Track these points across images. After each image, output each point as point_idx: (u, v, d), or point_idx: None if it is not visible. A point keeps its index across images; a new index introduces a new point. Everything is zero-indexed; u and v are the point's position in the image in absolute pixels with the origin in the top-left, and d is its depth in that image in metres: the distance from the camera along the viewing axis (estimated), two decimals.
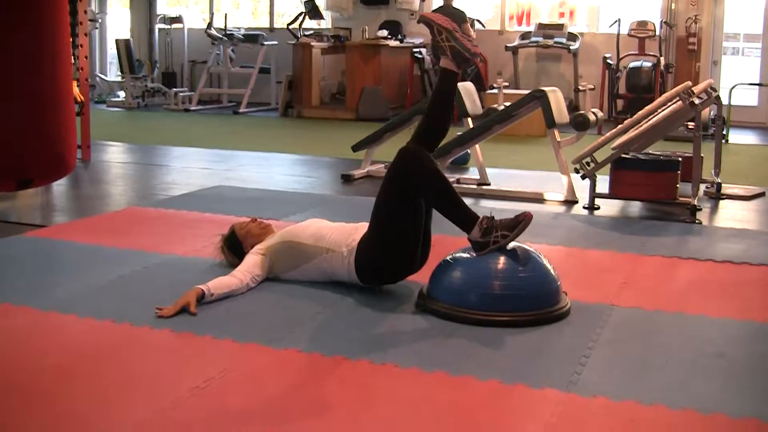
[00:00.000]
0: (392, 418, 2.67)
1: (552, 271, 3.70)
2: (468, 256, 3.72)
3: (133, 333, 3.38)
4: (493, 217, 3.71)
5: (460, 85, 7.17)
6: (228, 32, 14.73)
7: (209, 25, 14.92)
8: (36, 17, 2.37)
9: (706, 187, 6.86)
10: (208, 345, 3.25)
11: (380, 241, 3.83)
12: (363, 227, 3.95)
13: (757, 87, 12.69)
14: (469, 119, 7.16)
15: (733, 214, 6.20)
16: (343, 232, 3.99)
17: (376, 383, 2.94)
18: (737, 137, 11.25)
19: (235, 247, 4.27)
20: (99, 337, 3.34)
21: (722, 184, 6.84)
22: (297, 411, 2.70)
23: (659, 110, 6.24)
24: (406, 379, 2.96)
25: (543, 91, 6.62)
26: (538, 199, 6.56)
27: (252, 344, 3.24)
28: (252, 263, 4.00)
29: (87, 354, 3.16)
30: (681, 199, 6.05)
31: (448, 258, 3.78)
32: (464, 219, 3.75)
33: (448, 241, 4.01)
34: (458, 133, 7.01)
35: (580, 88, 7.22)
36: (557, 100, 6.73)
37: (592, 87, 7.46)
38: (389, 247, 3.84)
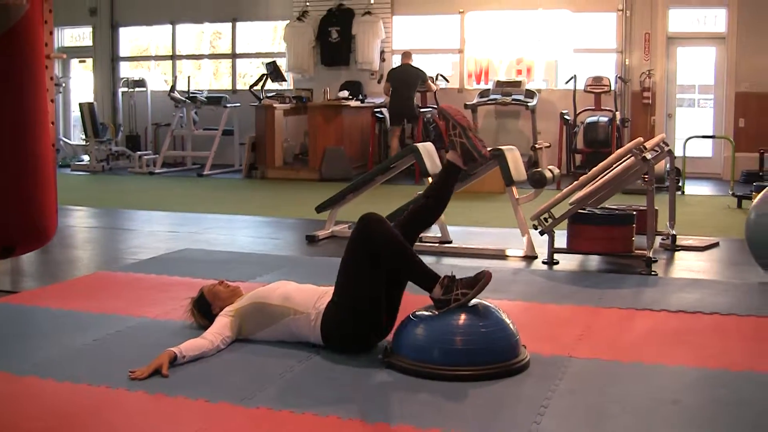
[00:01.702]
0: None
1: (511, 326, 3.85)
2: (430, 313, 3.86)
3: (110, 395, 3.48)
4: (453, 276, 3.86)
5: (420, 145, 7.37)
6: (191, 95, 14.91)
7: (172, 87, 15.12)
8: (17, 91, 2.52)
9: (662, 239, 7.06)
10: (182, 405, 3.36)
11: (344, 307, 3.96)
12: (331, 291, 4.08)
13: (710, 139, 13.02)
14: (429, 178, 7.31)
15: (688, 265, 6.40)
16: (311, 295, 4.12)
17: None
18: (693, 188, 11.55)
19: (204, 309, 4.38)
20: (77, 400, 3.43)
21: (677, 236, 7.04)
22: None
23: (615, 165, 6.44)
24: None
25: (500, 149, 6.82)
26: (499, 255, 6.72)
27: (224, 403, 3.35)
28: (221, 325, 4.12)
29: (66, 417, 3.25)
30: (637, 251, 6.24)
31: (411, 315, 3.92)
32: (425, 278, 3.90)
33: (410, 300, 4.15)
34: (419, 193, 7.17)
35: (537, 146, 7.43)
36: (514, 158, 6.92)
37: (548, 144, 7.69)
38: (353, 312, 3.96)
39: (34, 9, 2.51)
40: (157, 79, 17.28)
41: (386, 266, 3.91)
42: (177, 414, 3.29)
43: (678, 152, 11.82)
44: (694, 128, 13.67)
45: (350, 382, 3.66)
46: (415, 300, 4.09)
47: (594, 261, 6.46)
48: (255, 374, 3.72)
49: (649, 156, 6.11)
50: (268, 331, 4.14)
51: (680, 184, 11.17)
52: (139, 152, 15.22)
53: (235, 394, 3.45)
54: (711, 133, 13.14)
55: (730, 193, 10.46)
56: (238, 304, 4.23)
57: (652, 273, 5.98)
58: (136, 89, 16.43)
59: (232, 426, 3.16)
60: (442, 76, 14.43)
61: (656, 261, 6.24)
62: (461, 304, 3.80)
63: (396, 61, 14.60)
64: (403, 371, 3.73)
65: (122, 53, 17.44)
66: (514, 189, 6.85)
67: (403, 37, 15.12)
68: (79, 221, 9.01)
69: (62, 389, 3.56)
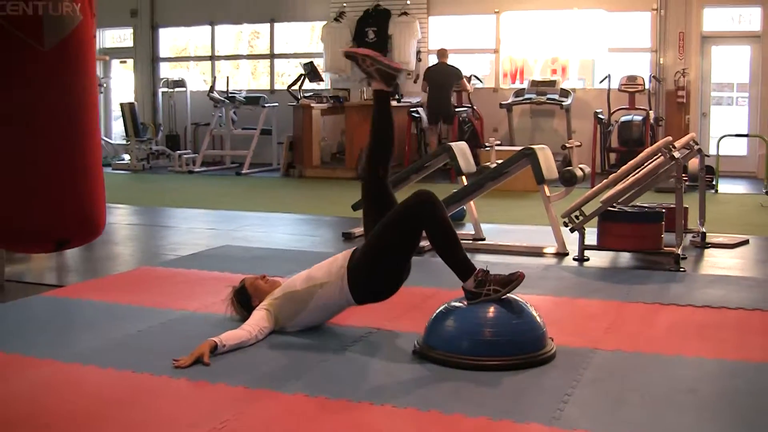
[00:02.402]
0: None
1: (537, 318, 4.00)
2: (460, 306, 4.01)
3: (153, 382, 3.66)
4: (488, 271, 4.02)
5: (453, 144, 7.51)
6: (230, 95, 15.13)
7: (211, 88, 15.35)
8: (73, 93, 2.71)
9: (692, 237, 7.16)
10: (223, 391, 3.54)
11: (376, 266, 4.20)
12: (347, 253, 4.33)
13: (745, 137, 13.07)
14: (464, 177, 7.47)
15: (716, 262, 6.50)
16: (330, 264, 4.35)
17: (376, 422, 3.24)
18: (727, 187, 11.59)
19: (244, 301, 4.57)
20: (120, 385, 3.62)
21: (707, 233, 7.14)
22: None
23: (645, 164, 6.55)
24: (403, 418, 3.26)
25: (532, 148, 6.95)
26: (530, 252, 6.85)
27: (263, 390, 3.53)
28: (259, 317, 4.30)
29: (109, 401, 3.44)
30: (666, 248, 6.34)
31: (441, 309, 4.08)
32: (462, 268, 4.07)
33: (442, 294, 4.31)
34: (453, 191, 7.33)
35: (567, 145, 7.54)
36: (546, 157, 7.04)
37: (579, 144, 7.79)
38: (384, 271, 4.22)
39: (86, 19, 2.70)
40: (195, 79, 17.54)
41: (429, 244, 4.11)
42: (218, 399, 3.46)
43: (712, 151, 11.90)
44: (729, 127, 13.72)
45: (381, 371, 3.83)
46: (446, 295, 4.24)
47: (624, 258, 6.58)
48: (291, 364, 3.90)
49: (677, 155, 6.21)
50: (303, 315, 4.33)
51: (714, 182, 11.23)
52: (178, 151, 15.47)
53: (273, 381, 3.63)
54: (746, 132, 13.18)
55: (764, 191, 10.52)
56: (272, 297, 4.41)
57: (681, 269, 6.08)
58: (176, 89, 16.69)
59: (272, 410, 3.34)
60: (476, 77, 14.56)
61: (685, 258, 6.35)
62: (491, 300, 3.96)
63: (432, 61, 14.73)
64: (433, 362, 3.89)
65: (162, 54, 17.72)
66: (545, 187, 6.98)
67: (439, 37, 15.24)
68: (120, 219, 9.23)
69: (105, 375, 3.75)
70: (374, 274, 4.21)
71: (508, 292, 3.98)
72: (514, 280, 3.99)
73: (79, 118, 2.74)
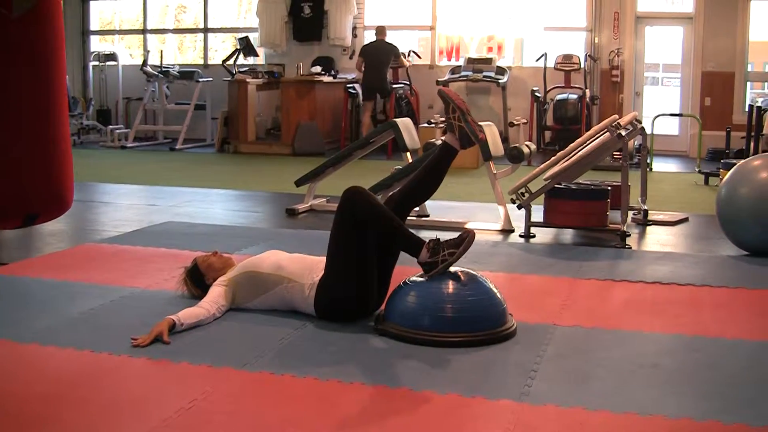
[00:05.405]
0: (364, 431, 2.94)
1: (498, 294, 4.01)
2: (420, 281, 4.00)
3: (113, 361, 3.60)
4: (438, 239, 4.01)
5: (398, 120, 7.50)
6: (163, 69, 14.90)
7: (144, 62, 15.08)
8: (42, 65, 2.63)
9: (634, 214, 7.24)
10: (186, 371, 3.49)
11: (336, 281, 4.11)
12: (323, 263, 4.22)
13: (678, 117, 13.26)
14: (408, 154, 7.46)
15: (659, 239, 6.59)
16: (304, 265, 4.26)
17: (346, 400, 3.22)
18: (660, 165, 11.77)
19: (197, 280, 4.50)
20: (81, 366, 3.55)
21: (649, 211, 7.23)
22: (278, 427, 2.95)
23: (588, 142, 6.60)
24: (374, 396, 3.24)
25: (480, 125, 6.94)
26: (476, 229, 6.86)
27: (227, 368, 3.49)
28: (216, 294, 4.25)
29: (72, 382, 3.37)
30: (611, 225, 6.43)
31: (401, 284, 4.07)
32: (412, 245, 4.05)
33: (398, 271, 4.30)
34: (397, 167, 7.33)
35: (515, 122, 7.57)
36: (493, 134, 7.07)
37: (525, 121, 7.83)
38: (344, 286, 4.11)
39: None
40: (122, 53, 17.20)
41: (373, 236, 4.06)
42: (182, 378, 3.41)
43: (647, 130, 12.04)
44: (659, 106, 13.89)
45: (345, 347, 3.81)
46: (405, 271, 4.24)
47: (569, 234, 6.63)
48: (254, 341, 3.86)
49: (623, 133, 6.27)
50: (262, 299, 4.27)
51: (648, 160, 11.37)
52: (110, 126, 15.19)
53: (237, 359, 3.59)
54: (677, 112, 13.36)
55: (697, 170, 10.68)
56: (231, 274, 4.36)
57: (626, 246, 6.16)
58: (107, 63, 16.39)
59: (238, 389, 3.30)
60: (414, 52, 14.52)
61: (629, 235, 6.42)
62: (449, 264, 3.95)
63: (368, 37, 14.67)
64: (394, 338, 3.88)
65: (92, 27, 17.38)
66: (491, 164, 7.00)
67: (375, 13, 15.19)
68: None
69: (65, 356, 3.67)
70: (337, 289, 4.11)
71: (464, 252, 3.95)
72: (465, 238, 3.97)
73: (47, 90, 2.67)
